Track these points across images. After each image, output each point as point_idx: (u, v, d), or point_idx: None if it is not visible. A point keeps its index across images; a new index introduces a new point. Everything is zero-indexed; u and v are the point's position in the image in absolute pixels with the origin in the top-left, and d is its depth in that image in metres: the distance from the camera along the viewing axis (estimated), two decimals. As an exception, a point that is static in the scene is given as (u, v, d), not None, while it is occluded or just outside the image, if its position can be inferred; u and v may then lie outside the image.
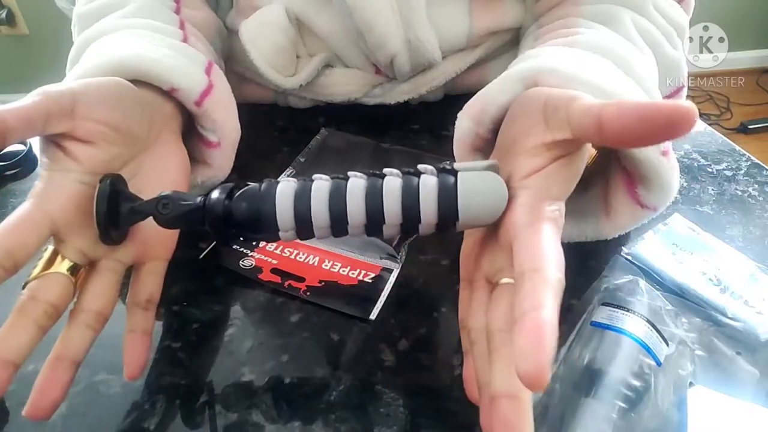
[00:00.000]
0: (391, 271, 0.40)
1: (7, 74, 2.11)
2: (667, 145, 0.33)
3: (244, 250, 0.41)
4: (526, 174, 0.28)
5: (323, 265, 0.40)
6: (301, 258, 0.41)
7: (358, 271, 0.40)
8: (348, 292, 0.39)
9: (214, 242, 0.42)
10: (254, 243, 0.42)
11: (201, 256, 0.41)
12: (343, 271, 0.40)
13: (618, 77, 0.34)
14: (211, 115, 0.39)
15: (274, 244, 0.42)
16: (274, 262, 0.40)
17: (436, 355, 0.35)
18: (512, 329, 0.20)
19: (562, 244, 0.24)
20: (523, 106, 0.31)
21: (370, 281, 0.39)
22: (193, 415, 0.32)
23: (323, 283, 0.39)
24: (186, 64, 0.39)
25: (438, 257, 0.41)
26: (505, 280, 0.27)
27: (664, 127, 0.23)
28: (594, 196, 0.38)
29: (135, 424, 0.31)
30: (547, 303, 0.20)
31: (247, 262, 0.40)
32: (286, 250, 0.41)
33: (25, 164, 0.53)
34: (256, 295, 0.39)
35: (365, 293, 0.38)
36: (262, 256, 0.41)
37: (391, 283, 0.39)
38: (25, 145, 0.55)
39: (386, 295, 0.38)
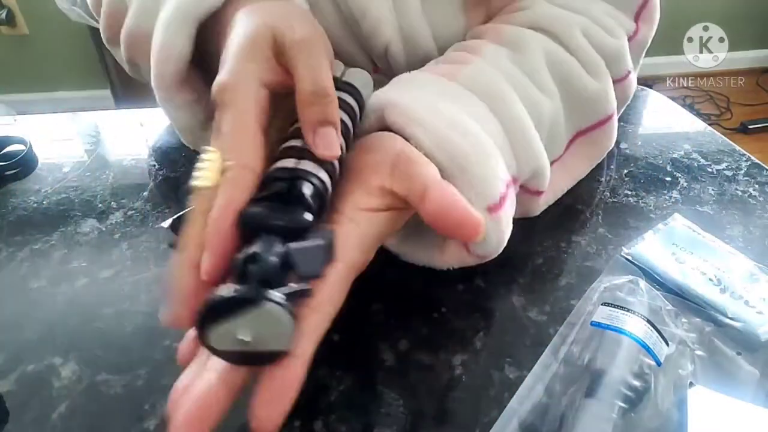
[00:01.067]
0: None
1: (7, 74, 2.11)
2: (499, 203, 0.34)
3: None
4: (358, 207, 0.30)
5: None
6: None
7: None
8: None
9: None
10: None
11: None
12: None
13: (464, 124, 0.35)
14: None
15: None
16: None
17: (436, 355, 0.35)
18: None
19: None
20: (381, 140, 0.33)
21: None
22: (193, 415, 0.32)
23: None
24: None
25: (438, 257, 0.41)
26: None
27: (452, 227, 0.29)
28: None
29: (135, 424, 0.31)
30: None
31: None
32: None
33: (25, 164, 0.53)
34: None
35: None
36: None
37: None
38: (25, 145, 0.55)
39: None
